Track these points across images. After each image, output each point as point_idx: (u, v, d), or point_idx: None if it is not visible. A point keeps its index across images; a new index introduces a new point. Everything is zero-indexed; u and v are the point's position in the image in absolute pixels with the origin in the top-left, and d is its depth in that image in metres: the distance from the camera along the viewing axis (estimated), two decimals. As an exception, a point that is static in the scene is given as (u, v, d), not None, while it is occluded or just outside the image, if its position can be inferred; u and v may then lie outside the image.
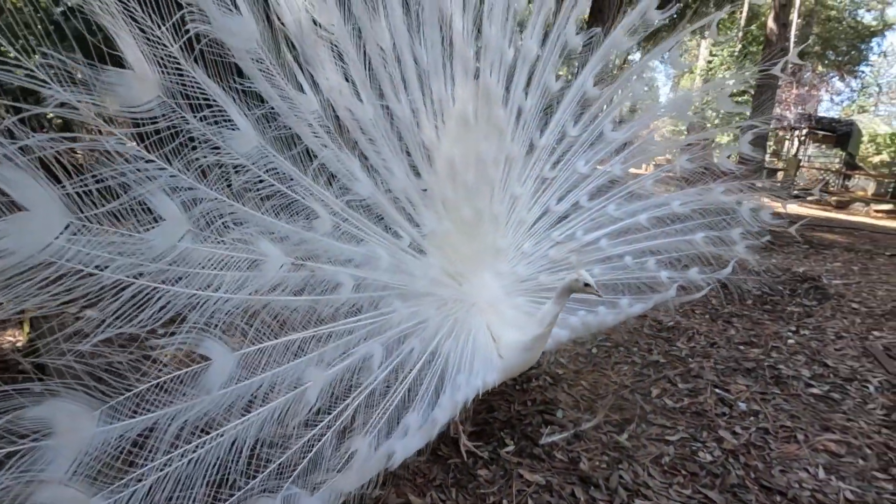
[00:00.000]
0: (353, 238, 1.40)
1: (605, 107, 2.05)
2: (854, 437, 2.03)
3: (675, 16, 2.09)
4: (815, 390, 2.39)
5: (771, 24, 15.16)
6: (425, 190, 1.58)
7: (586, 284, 1.52)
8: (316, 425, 1.24)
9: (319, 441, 1.23)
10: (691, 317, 3.34)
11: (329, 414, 1.27)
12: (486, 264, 1.78)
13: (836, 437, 2.03)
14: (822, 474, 1.81)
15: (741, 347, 2.87)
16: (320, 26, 1.23)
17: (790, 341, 2.95)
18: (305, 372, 1.22)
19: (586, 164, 2.05)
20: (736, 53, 22.13)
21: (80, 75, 0.80)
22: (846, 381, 2.50)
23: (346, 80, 1.32)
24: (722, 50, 22.69)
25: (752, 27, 22.19)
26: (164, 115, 0.95)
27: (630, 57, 2.12)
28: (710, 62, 23.76)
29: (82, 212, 0.86)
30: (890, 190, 17.77)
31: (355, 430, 1.28)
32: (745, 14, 23.49)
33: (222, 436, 1.06)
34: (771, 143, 20.17)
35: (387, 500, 1.54)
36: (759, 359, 2.70)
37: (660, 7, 2.03)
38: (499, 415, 2.04)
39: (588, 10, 1.86)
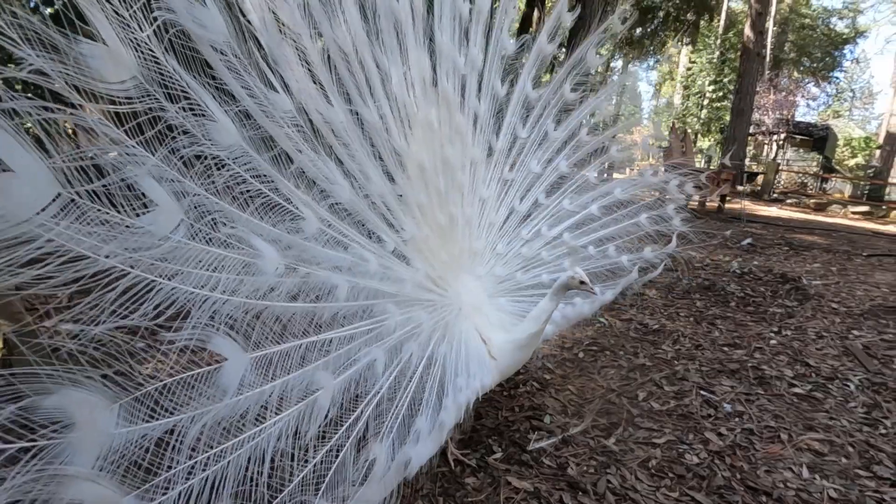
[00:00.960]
0: (340, 243, 1.39)
1: (545, 108, 2.19)
2: (836, 436, 2.06)
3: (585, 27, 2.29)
4: (797, 390, 2.43)
5: (748, 31, 15.53)
6: (401, 196, 1.58)
7: (581, 282, 1.55)
8: (333, 436, 1.23)
9: (339, 453, 1.21)
10: (676, 319, 3.37)
11: (341, 425, 1.26)
12: (465, 268, 1.80)
13: (819, 436, 2.06)
14: (806, 473, 1.83)
15: (725, 349, 2.90)
16: (283, 24, 1.22)
17: (773, 342, 2.99)
18: (315, 377, 1.21)
19: (538, 164, 2.16)
20: (714, 60, 22.60)
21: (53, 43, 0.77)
22: (828, 380, 2.54)
23: (314, 82, 1.32)
24: (701, 57, 23.16)
25: (730, 34, 22.69)
26: (140, 98, 0.92)
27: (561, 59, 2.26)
28: (689, 69, 24.22)
29: (72, 185, 0.81)
30: (865, 192, 18.23)
31: (370, 439, 1.28)
32: (723, 22, 24.04)
33: (241, 446, 1.04)
34: (751, 147, 20.59)
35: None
36: (742, 360, 2.73)
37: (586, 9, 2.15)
38: (486, 422, 2.03)
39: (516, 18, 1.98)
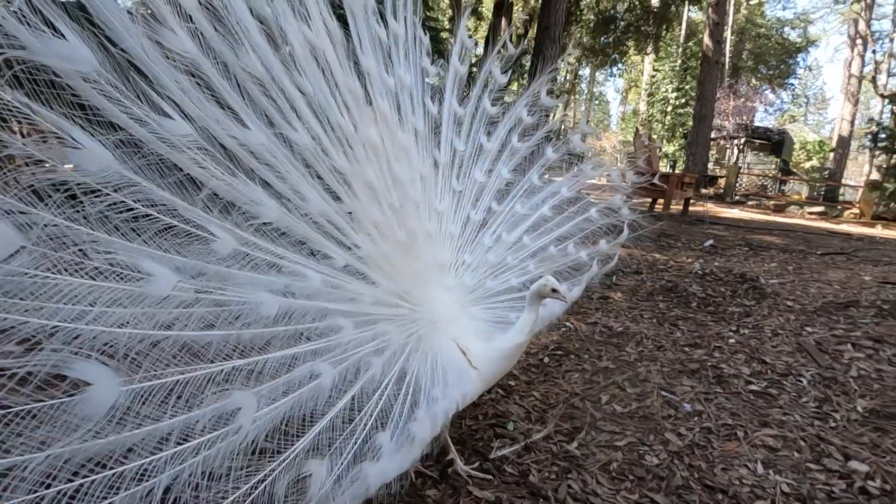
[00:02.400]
0: (270, 264, 1.34)
1: (472, 123, 2.27)
2: (789, 431, 2.12)
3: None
4: (753, 387, 2.49)
5: (707, 41, 16.13)
6: (350, 213, 1.56)
7: (553, 290, 1.58)
8: (267, 465, 1.15)
9: (271, 478, 1.14)
10: (640, 321, 3.43)
11: (280, 453, 1.18)
12: (433, 280, 1.80)
13: (773, 431, 2.11)
14: (760, 469, 1.87)
15: (686, 349, 2.96)
16: (171, 51, 1.15)
17: (731, 341, 3.08)
18: (234, 402, 1.12)
19: (481, 173, 2.21)
20: (677, 68, 23.37)
21: None
22: (782, 376, 2.62)
23: (223, 108, 1.26)
24: (663, 65, 23.91)
25: (691, 43, 23.53)
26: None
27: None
28: (653, 77, 24.97)
29: None
30: (821, 193, 19.07)
31: (309, 454, 1.22)
32: (683, 32, 24.92)
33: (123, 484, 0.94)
34: (713, 151, 21.31)
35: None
36: (702, 359, 2.79)
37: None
38: (449, 432, 2.01)
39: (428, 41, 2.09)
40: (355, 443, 1.30)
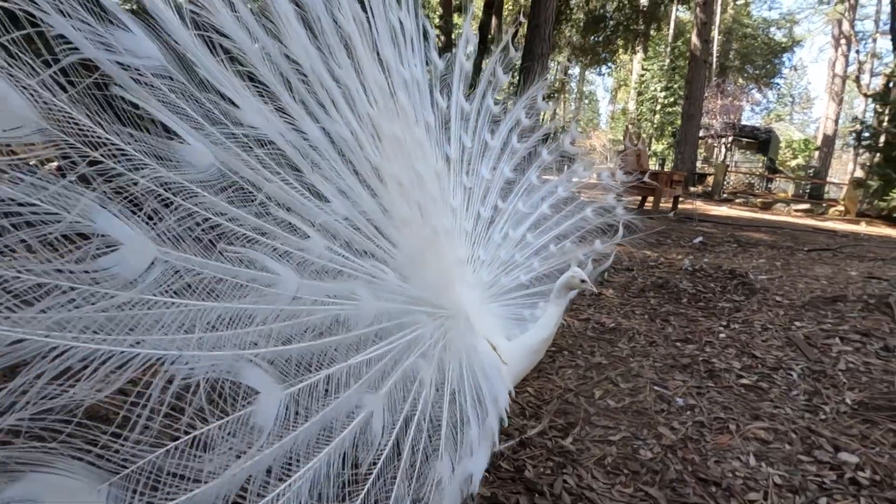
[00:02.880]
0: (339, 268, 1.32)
1: (478, 120, 2.27)
2: (780, 424, 2.14)
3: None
4: (745, 381, 2.52)
5: (695, 40, 16.25)
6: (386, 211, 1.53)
7: (582, 280, 1.59)
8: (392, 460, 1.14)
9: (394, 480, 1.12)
10: (632, 317, 3.45)
11: (400, 451, 1.17)
12: (457, 278, 1.76)
13: (764, 424, 2.13)
14: (752, 462, 1.89)
15: (678, 344, 2.98)
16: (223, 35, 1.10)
17: (722, 335, 3.10)
18: (360, 401, 1.11)
19: (487, 170, 2.22)
20: (665, 67, 23.56)
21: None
22: (772, 370, 2.64)
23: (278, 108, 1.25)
24: (652, 64, 24.10)
25: (679, 43, 23.73)
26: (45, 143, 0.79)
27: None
28: (642, 76, 25.15)
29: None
30: (807, 191, 19.36)
31: (430, 457, 1.20)
32: (671, 31, 25.13)
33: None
34: (702, 150, 21.53)
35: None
36: (694, 354, 2.81)
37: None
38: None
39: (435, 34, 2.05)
40: (450, 441, 1.28)
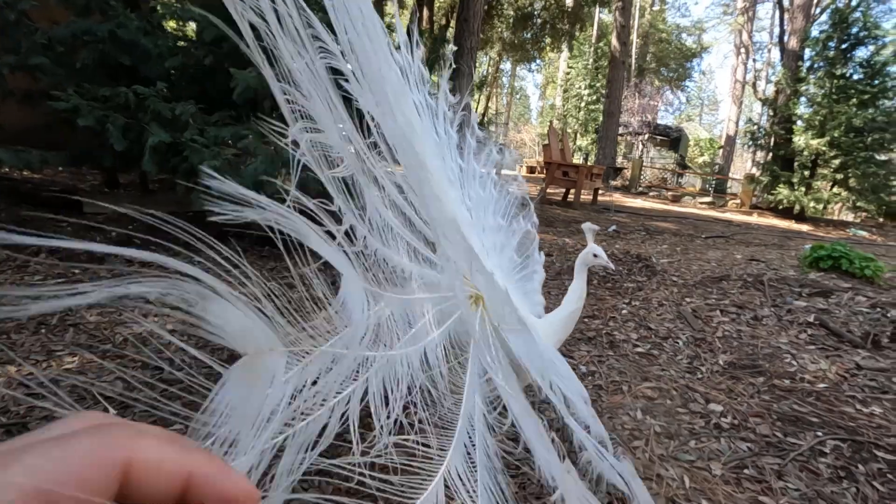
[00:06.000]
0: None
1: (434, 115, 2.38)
2: (665, 383, 2.44)
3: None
4: (639, 349, 2.83)
5: (614, 42, 17.18)
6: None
7: (595, 255, 1.71)
8: None
9: None
10: (547, 298, 3.70)
11: None
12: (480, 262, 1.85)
13: (652, 384, 2.43)
14: (639, 416, 2.15)
15: (586, 320, 3.27)
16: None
17: (624, 311, 3.44)
18: None
19: (452, 161, 2.30)
20: (589, 66, 24.77)
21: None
22: (663, 339, 2.99)
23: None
24: (577, 63, 25.23)
25: (601, 44, 25.01)
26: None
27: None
28: (568, 74, 26.27)
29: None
30: (712, 186, 21.25)
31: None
32: (595, 32, 26.42)
33: None
34: (621, 146, 22.93)
35: None
36: (598, 328, 3.11)
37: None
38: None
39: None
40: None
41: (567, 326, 1.77)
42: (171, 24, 4.48)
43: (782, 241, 7.73)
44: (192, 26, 4.48)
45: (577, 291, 1.74)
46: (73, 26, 3.55)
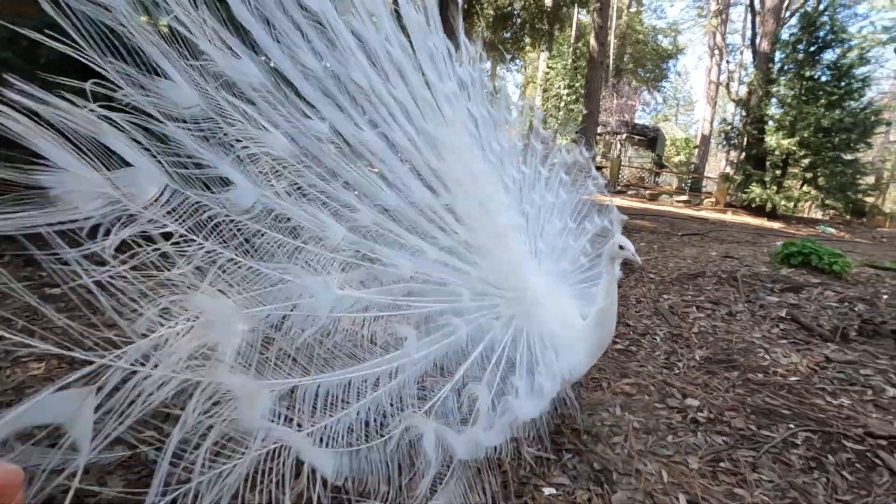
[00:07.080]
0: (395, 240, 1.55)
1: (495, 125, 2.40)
2: (643, 379, 2.47)
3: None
4: (618, 346, 2.86)
5: (593, 42, 17.34)
6: (447, 205, 1.71)
7: (620, 246, 1.68)
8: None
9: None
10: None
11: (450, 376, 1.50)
12: (526, 268, 1.89)
13: (630, 380, 2.46)
14: (618, 412, 2.18)
15: (566, 318, 3.29)
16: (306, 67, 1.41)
17: (603, 309, 3.47)
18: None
19: (515, 170, 2.33)
20: (568, 66, 25.02)
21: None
22: (641, 335, 3.03)
23: (342, 111, 1.49)
24: (557, 63, 25.46)
25: (580, 44, 25.28)
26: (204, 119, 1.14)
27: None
28: (547, 73, 26.49)
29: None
30: (688, 185, 21.68)
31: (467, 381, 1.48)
32: (574, 32, 26.68)
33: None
34: (600, 145, 23.21)
35: None
36: (578, 326, 3.13)
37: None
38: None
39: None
40: (496, 379, 1.55)
41: (600, 328, 1.73)
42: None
43: (755, 238, 7.93)
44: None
45: (604, 288, 1.70)
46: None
